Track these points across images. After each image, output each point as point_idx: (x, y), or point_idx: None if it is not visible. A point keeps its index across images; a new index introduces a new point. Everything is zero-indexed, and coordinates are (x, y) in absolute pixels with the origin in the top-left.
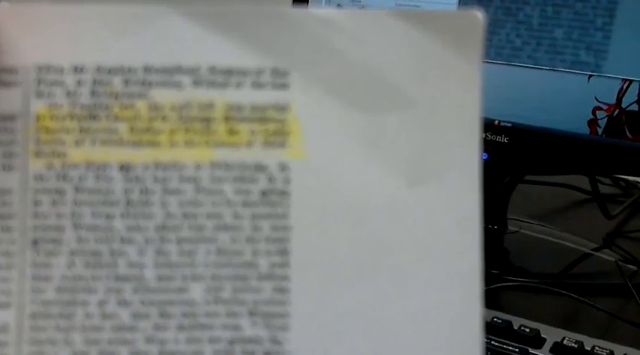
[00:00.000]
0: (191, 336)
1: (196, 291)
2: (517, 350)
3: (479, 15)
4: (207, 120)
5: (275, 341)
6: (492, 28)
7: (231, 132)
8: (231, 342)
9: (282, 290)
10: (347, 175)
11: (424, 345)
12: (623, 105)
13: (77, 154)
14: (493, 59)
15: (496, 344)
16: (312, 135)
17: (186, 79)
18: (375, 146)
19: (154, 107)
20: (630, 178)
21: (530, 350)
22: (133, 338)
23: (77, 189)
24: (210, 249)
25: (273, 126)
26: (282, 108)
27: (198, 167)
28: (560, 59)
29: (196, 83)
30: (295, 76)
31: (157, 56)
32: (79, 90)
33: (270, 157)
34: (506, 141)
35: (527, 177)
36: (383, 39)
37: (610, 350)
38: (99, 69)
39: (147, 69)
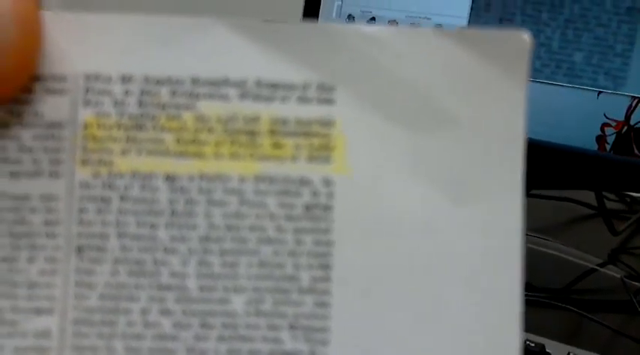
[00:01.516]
0: (231, 348)
1: (238, 303)
2: None
3: (526, 36)
4: (252, 134)
5: None
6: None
7: (276, 145)
8: None
9: (323, 305)
10: (390, 192)
11: None
12: (632, 122)
13: (123, 163)
14: None
15: None
16: (356, 151)
17: (232, 92)
18: (419, 164)
19: (201, 119)
20: (636, 194)
21: None
22: (174, 347)
23: (122, 198)
24: (253, 261)
25: (318, 141)
26: (328, 123)
27: (242, 179)
28: (578, 83)
29: (243, 96)
30: (341, 91)
31: (205, 68)
32: (126, 99)
33: (315, 172)
34: None
35: (534, 192)
36: (429, 57)
37: None
38: (147, 79)
39: (194, 80)
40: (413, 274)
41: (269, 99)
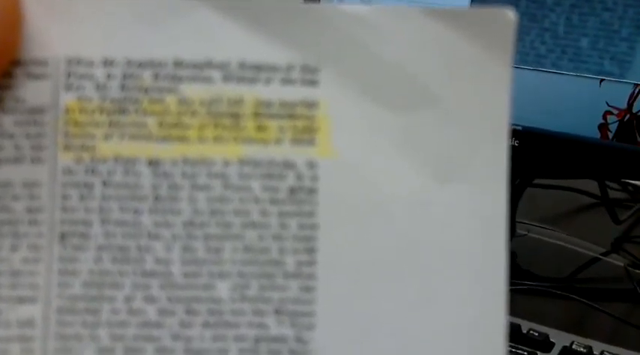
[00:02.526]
0: (217, 334)
1: (223, 289)
2: (526, 353)
3: (510, 13)
4: (236, 116)
5: (300, 340)
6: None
7: (260, 128)
8: (257, 340)
9: (308, 289)
10: (375, 173)
11: (447, 348)
12: (634, 110)
13: (106, 148)
14: (518, 64)
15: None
16: (341, 132)
17: (216, 74)
18: (404, 144)
19: (184, 102)
20: (638, 183)
21: (539, 354)
22: (159, 334)
23: (105, 184)
24: (237, 246)
25: (302, 123)
26: (312, 104)
27: (226, 163)
28: (584, 68)
29: (226, 78)
30: (325, 72)
31: (188, 50)
32: (108, 83)
33: (299, 154)
34: (516, 144)
35: (537, 181)
36: (413, 36)
37: None
38: (129, 62)
39: (177, 63)
40: (400, 256)
41: (252, 81)
